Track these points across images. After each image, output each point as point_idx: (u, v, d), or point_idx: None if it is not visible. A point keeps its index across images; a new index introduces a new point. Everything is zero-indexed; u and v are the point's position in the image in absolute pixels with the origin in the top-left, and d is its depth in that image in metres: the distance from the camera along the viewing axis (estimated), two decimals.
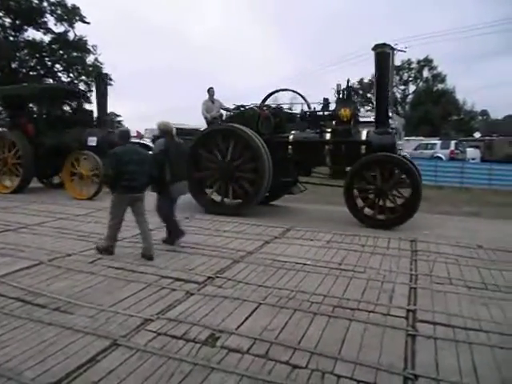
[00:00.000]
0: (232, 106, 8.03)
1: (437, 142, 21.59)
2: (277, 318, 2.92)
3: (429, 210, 7.72)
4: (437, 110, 36.30)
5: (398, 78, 42.91)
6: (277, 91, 8.05)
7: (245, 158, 6.73)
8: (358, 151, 6.51)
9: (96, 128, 8.92)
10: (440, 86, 41.24)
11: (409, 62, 42.50)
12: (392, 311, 3.05)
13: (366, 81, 44.52)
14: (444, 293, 3.45)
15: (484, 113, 41.90)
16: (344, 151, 6.69)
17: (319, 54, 71.18)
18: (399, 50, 32.54)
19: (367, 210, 6.29)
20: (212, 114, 7.95)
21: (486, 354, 2.52)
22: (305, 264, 4.11)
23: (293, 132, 7.19)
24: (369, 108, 44.01)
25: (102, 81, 9.28)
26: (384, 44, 6.46)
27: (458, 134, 30.26)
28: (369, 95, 45.04)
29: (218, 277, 3.68)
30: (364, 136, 6.63)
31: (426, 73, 42.58)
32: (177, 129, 4.82)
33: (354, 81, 44.72)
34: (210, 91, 8.18)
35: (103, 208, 6.46)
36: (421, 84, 42.91)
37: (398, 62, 38.58)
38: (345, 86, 6.95)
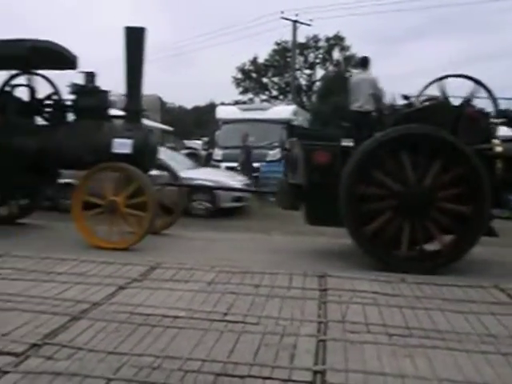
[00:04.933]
0: None
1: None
2: None
3: None
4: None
5: (302, 59, 45.43)
6: (444, 77, 7.16)
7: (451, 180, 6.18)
8: None
9: (126, 123, 7.55)
10: (355, 72, 44.51)
11: (315, 40, 45.26)
12: (294, 375, 3.14)
13: (260, 61, 46.32)
14: (360, 344, 3.66)
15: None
16: None
17: (189, 27, 72.57)
18: (302, 23, 34.75)
19: None
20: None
21: None
22: (176, 317, 4.07)
23: (495, 141, 6.64)
24: (265, 97, 45.89)
25: (133, 37, 7.39)
26: None
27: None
28: (265, 80, 46.98)
29: (46, 343, 3.49)
30: None
31: (336, 54, 45.73)
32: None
33: (244, 60, 46.38)
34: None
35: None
36: (331, 68, 45.91)
37: (301, 39, 40.88)
38: None
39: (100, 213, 7.20)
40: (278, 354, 3.45)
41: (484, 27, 66.29)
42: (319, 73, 46.57)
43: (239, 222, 10.90)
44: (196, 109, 56.11)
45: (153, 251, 6.94)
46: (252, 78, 47.00)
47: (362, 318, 4.21)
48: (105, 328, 3.82)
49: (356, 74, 8.58)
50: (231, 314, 4.20)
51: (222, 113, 17.69)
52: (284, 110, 16.98)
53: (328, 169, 6.64)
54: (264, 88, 47.20)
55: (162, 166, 9.50)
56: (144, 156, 7.28)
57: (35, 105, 8.23)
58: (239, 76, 46.92)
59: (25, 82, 8.31)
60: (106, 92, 7.82)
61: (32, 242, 7.35)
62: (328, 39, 45.29)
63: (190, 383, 3.01)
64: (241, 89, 46.91)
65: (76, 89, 7.79)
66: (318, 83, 45.92)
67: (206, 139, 19.45)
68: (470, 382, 3.12)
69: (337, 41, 45.23)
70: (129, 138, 7.25)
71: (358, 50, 46.23)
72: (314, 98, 45.28)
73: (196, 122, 46.97)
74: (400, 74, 61.77)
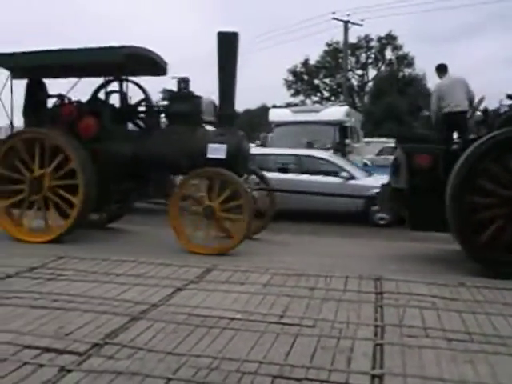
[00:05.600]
0: None
1: None
2: None
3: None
4: (404, 102, 38.50)
5: (354, 59, 45.04)
6: None
7: None
8: None
9: (219, 127, 7.57)
10: (407, 72, 43.80)
11: (367, 40, 44.77)
12: (352, 379, 3.12)
13: (312, 62, 46.13)
14: (418, 348, 3.60)
15: None
16: None
17: (243, 28, 72.70)
18: (354, 24, 34.45)
19: None
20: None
21: None
22: (233, 319, 4.10)
23: None
24: (316, 99, 45.69)
25: (226, 42, 7.37)
26: None
27: None
28: (316, 82, 46.78)
29: (107, 343, 3.57)
30: None
31: (388, 54, 45.09)
32: None
33: (296, 62, 46.31)
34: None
35: None
36: (383, 68, 45.30)
37: (353, 39, 40.52)
38: None
39: (197, 218, 7.15)
40: (335, 357, 3.42)
41: None
42: (371, 73, 46.08)
43: None
44: (247, 112, 56.36)
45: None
46: (303, 80, 46.90)
47: (419, 322, 4.13)
48: (163, 329, 3.88)
49: (446, 78, 8.28)
50: (287, 316, 4.20)
51: (274, 115, 17.66)
52: (336, 112, 16.81)
53: (430, 172, 6.47)
54: (315, 90, 47.02)
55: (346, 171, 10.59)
56: (238, 161, 7.23)
57: (128, 111, 8.29)
58: (290, 78, 46.90)
59: (117, 89, 8.37)
60: (199, 97, 7.81)
61: (115, 245, 7.44)
62: (380, 39, 44.70)
63: None
64: (292, 91, 46.87)
65: (169, 94, 7.91)
66: (370, 83, 45.38)
67: (258, 142, 19.50)
68: None
69: (389, 40, 44.58)
70: (222, 142, 7.20)
71: (410, 49, 45.58)
72: (366, 98, 44.77)
73: (248, 125, 47.12)
74: (454, 73, 59.94)
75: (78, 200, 7.20)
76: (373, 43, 45.26)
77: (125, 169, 7.60)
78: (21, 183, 7.45)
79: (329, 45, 44.72)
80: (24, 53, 7.52)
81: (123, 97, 8.28)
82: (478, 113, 7.65)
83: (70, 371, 3.15)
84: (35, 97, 8.06)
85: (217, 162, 7.02)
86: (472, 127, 7.60)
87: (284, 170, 11.60)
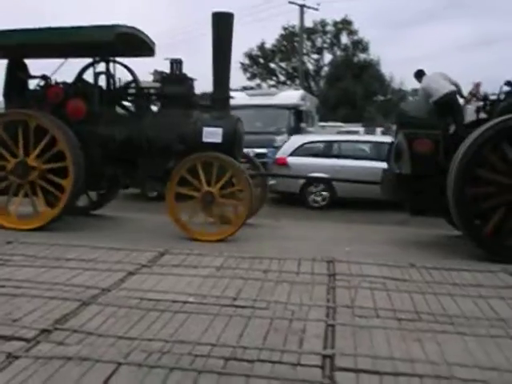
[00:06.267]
0: None
1: (359, 129, 23.22)
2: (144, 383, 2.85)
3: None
4: (359, 87, 38.93)
5: (309, 44, 45.15)
6: None
7: None
8: None
9: (213, 111, 7.24)
10: (362, 57, 44.22)
11: (323, 24, 44.90)
12: (303, 359, 3.16)
13: (268, 46, 46.00)
14: (369, 329, 3.67)
15: (416, 93, 45.93)
16: None
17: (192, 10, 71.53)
18: (310, 8, 34.49)
19: None
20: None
21: None
22: (185, 302, 4.09)
23: None
24: (272, 83, 45.71)
25: (221, 23, 7.12)
26: None
27: (386, 119, 32.77)
28: (272, 65, 46.75)
29: (57, 328, 3.52)
30: None
31: (344, 38, 45.37)
32: None
33: (252, 45, 46.10)
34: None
35: None
36: (338, 53, 45.60)
37: (309, 23, 40.59)
38: None
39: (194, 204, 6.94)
40: (287, 338, 3.46)
41: (494, 10, 65.54)
42: (327, 57, 46.30)
43: None
44: (204, 95, 55.64)
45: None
46: (259, 64, 46.77)
47: (370, 303, 4.21)
48: (115, 313, 3.84)
49: (424, 78, 8.27)
50: (240, 298, 4.22)
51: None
52: (291, 96, 16.84)
53: (431, 157, 6.53)
54: (271, 73, 46.97)
55: None
56: (234, 145, 7.04)
57: (118, 93, 7.94)
58: (247, 61, 46.68)
59: (103, 70, 7.93)
60: (192, 79, 7.56)
61: (76, 231, 7.24)
62: (335, 23, 44.89)
63: (199, 367, 3.02)
64: (248, 74, 46.69)
65: (161, 76, 7.60)
66: (325, 68, 45.64)
67: None
68: (479, 366, 3.12)
69: (344, 25, 44.80)
70: (218, 126, 7.00)
71: (365, 34, 45.99)
72: (321, 83, 45.05)
73: None
74: (408, 58, 61.25)
75: (67, 184, 6.92)
76: (328, 28, 45.44)
77: (114, 153, 7.34)
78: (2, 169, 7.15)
79: (285, 28, 44.66)
80: (2, 31, 7.17)
81: (111, 78, 7.91)
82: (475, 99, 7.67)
83: (17, 357, 3.09)
84: (16, 78, 7.70)
85: (212, 146, 6.86)
86: (471, 113, 7.62)
87: (359, 158, 11.31)
